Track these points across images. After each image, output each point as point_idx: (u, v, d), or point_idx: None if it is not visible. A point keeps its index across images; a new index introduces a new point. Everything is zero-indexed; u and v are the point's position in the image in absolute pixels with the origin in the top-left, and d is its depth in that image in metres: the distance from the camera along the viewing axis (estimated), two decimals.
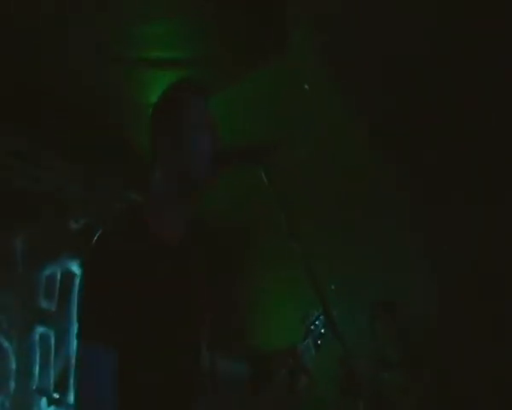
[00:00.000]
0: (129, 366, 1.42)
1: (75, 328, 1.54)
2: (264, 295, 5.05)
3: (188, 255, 1.68)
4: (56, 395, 3.57)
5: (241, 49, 3.64)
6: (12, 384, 3.34)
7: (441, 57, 3.55)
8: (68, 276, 3.87)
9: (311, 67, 3.73)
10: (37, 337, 3.55)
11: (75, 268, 3.90)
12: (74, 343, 3.34)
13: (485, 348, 3.85)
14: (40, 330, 3.59)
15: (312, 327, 2.07)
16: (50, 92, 3.65)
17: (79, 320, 1.46)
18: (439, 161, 3.98)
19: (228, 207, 4.60)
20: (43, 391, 3.51)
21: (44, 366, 3.54)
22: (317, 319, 2.08)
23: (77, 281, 3.86)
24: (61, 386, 3.62)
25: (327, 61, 3.72)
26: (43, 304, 3.69)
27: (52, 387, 3.58)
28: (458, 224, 4.04)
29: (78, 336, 1.43)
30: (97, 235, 1.51)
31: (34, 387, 3.48)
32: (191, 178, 1.59)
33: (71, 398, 3.58)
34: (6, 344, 3.38)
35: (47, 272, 3.76)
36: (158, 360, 1.47)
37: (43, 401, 3.52)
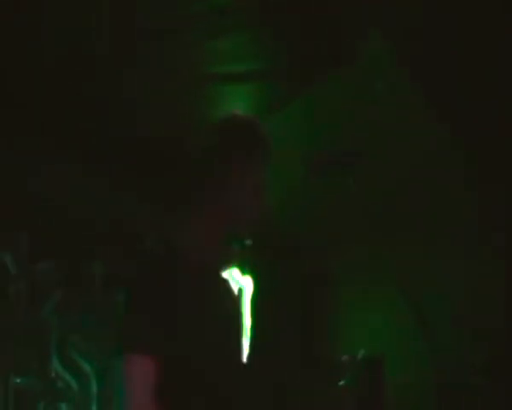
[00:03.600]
0: (170, 386, 1.43)
1: None
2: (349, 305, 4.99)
3: (227, 292, 1.68)
4: None
5: (310, 60, 3.60)
6: (93, 409, 3.37)
7: None
8: None
9: (383, 69, 3.63)
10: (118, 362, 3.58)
11: None
12: None
13: None
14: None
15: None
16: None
17: (122, 334, 1.49)
18: None
19: (311, 218, 4.54)
20: None
21: None
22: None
23: None
24: None
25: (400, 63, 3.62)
26: None
27: None
28: None
29: (120, 350, 1.44)
30: (144, 260, 1.54)
31: None
32: (235, 227, 1.58)
33: None
34: (87, 368, 3.42)
35: None
36: (199, 383, 1.47)
37: None
